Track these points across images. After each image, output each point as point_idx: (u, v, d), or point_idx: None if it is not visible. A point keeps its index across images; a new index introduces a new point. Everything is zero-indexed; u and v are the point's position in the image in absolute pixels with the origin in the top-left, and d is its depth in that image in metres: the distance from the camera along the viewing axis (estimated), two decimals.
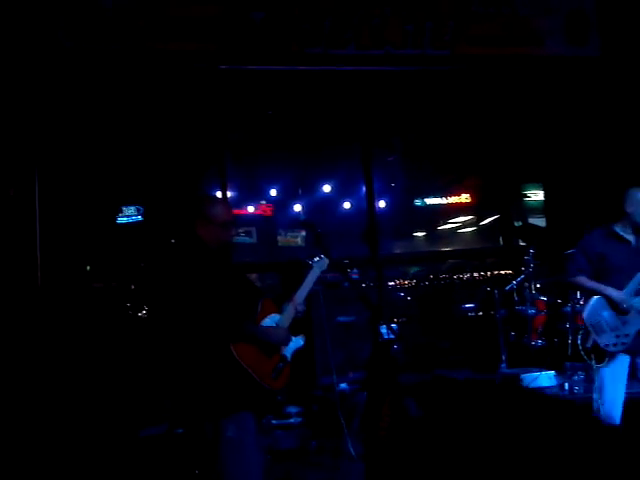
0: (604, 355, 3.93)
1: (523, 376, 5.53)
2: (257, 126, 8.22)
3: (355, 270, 6.65)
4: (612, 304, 4.00)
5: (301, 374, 5.22)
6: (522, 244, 6.99)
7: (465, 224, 11.54)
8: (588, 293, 4.18)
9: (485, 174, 10.16)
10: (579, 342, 3.99)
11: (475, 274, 10.80)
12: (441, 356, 7.97)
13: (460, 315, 9.16)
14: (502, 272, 9.92)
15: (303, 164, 9.77)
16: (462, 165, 10.14)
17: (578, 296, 5.73)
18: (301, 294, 3.49)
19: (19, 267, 5.61)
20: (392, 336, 7.29)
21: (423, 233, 11.45)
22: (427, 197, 11.57)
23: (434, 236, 11.47)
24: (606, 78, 7.91)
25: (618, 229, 4.26)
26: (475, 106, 8.34)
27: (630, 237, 4.20)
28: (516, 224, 9.12)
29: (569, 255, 4.70)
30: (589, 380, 4.14)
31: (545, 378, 5.44)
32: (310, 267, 3.60)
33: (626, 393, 3.92)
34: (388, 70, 7.53)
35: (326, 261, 3.68)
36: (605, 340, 3.93)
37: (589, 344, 3.95)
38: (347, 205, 10.29)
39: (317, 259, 3.65)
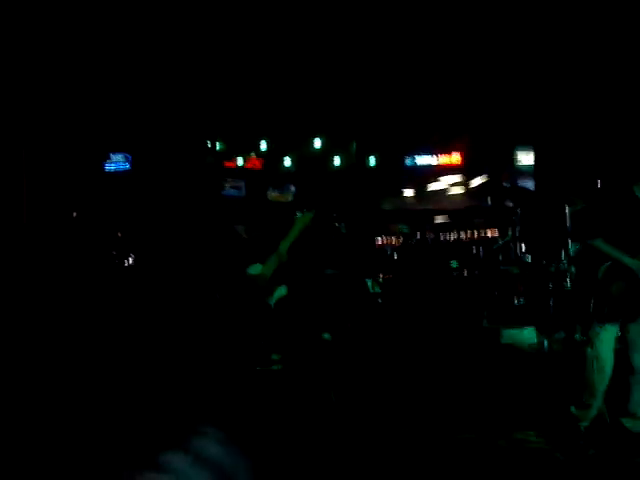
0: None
1: (503, 331, 5.63)
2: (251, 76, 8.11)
3: (342, 224, 6.65)
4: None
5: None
6: (510, 205, 7.01)
7: (455, 184, 11.53)
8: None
9: (476, 135, 10.13)
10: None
11: (462, 234, 10.87)
12: (427, 311, 8.04)
13: (446, 273, 9.23)
14: (489, 233, 9.98)
15: (294, 119, 9.69)
16: (453, 126, 10.11)
17: (562, 257, 5.80)
18: (285, 245, 3.55)
19: (6, 205, 5.59)
20: (377, 290, 7.40)
21: (412, 192, 11.43)
22: (418, 156, 11.57)
23: (423, 195, 11.46)
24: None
25: None
26: (468, 65, 8.26)
27: None
28: (505, 185, 9.13)
29: None
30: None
31: (525, 334, 5.55)
32: (294, 220, 3.65)
33: None
34: None
35: (309, 215, 3.71)
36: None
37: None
38: (337, 161, 10.27)
39: (300, 214, 3.70)
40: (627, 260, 3.80)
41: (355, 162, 8.97)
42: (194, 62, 7.41)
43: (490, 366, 5.49)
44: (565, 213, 6.03)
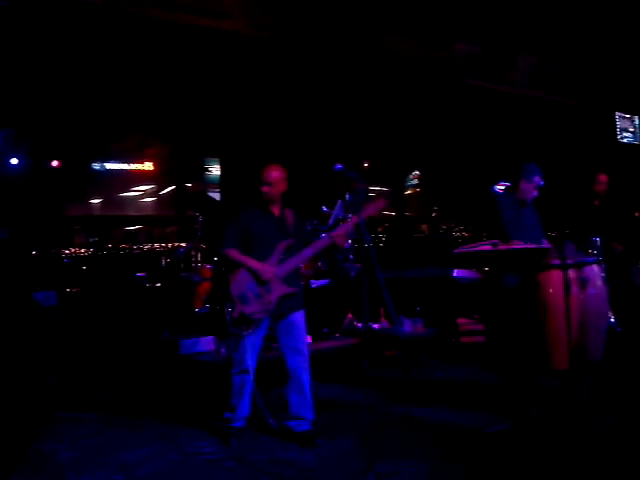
0: (251, 323, 4.11)
1: (182, 342, 5.59)
2: None
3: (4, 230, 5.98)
4: (255, 275, 4.17)
5: None
6: (195, 214, 7.04)
7: (147, 192, 11.33)
8: (236, 266, 4.29)
9: (170, 144, 10.07)
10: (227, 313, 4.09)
11: (156, 245, 10.69)
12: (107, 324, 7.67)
13: (137, 284, 8.94)
14: (182, 243, 9.97)
15: None
16: (146, 132, 9.89)
17: None
18: None
19: None
20: (53, 303, 6.83)
21: (100, 199, 10.92)
22: (108, 162, 11.09)
23: (113, 202, 11.02)
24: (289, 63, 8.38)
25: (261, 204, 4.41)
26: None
27: (274, 209, 4.40)
28: (193, 194, 9.22)
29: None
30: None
31: (203, 343, 5.58)
32: None
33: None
34: None
35: None
36: (251, 308, 4.10)
37: (237, 314, 4.09)
38: (14, 161, 9.33)
39: None
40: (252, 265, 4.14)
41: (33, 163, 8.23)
42: None
43: (162, 378, 5.42)
44: None
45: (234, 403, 4.26)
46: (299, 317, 4.34)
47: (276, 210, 4.38)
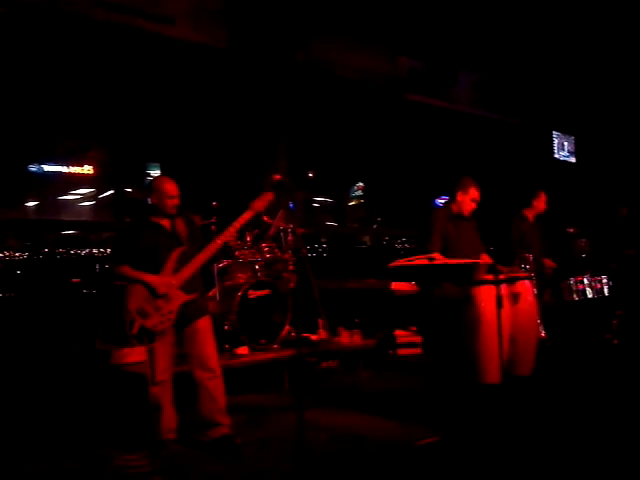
0: (154, 335, 4.05)
1: (115, 352, 5.48)
2: None
3: None
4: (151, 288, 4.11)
5: None
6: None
7: (85, 196, 11.03)
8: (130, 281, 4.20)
9: (110, 148, 9.85)
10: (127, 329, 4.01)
11: (94, 250, 10.43)
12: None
13: (72, 290, 8.72)
14: None
15: None
16: (86, 135, 9.66)
17: None
18: None
19: None
20: None
21: (36, 202, 10.57)
22: (45, 164, 10.76)
23: (50, 205, 10.68)
24: (232, 70, 8.34)
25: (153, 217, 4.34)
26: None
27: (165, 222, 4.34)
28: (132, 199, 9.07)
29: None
30: None
31: (136, 353, 5.45)
32: None
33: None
34: None
35: None
36: (152, 321, 4.03)
37: (137, 329, 4.01)
38: None
39: None
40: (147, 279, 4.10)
41: None
42: None
43: (92, 388, 5.30)
44: None
45: (158, 417, 4.20)
46: (204, 323, 4.31)
47: (167, 221, 4.33)
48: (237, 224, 4.36)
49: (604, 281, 6.19)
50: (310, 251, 11.22)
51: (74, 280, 8.55)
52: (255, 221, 6.25)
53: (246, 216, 4.39)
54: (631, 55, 10.93)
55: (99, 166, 10.62)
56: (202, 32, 8.22)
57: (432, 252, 5.01)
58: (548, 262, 6.41)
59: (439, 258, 4.92)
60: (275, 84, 8.63)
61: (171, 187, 4.30)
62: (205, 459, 4.13)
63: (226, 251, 4.61)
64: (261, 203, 4.43)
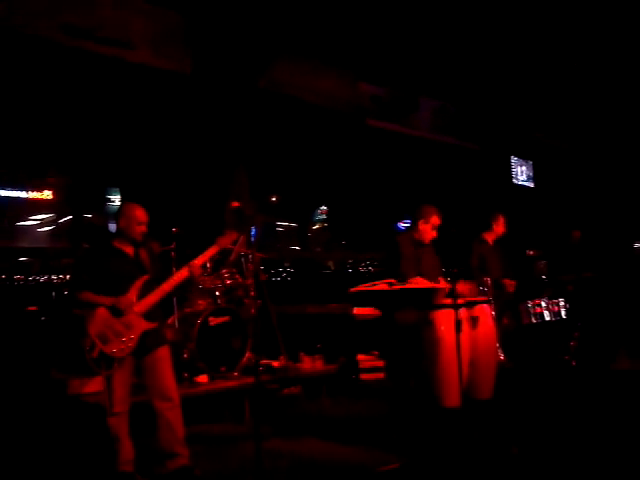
0: (113, 362, 3.99)
1: (71, 381, 5.36)
2: None
3: None
4: (114, 312, 4.06)
5: None
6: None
7: (44, 222, 10.85)
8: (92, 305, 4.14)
9: (70, 173, 9.74)
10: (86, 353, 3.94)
11: (53, 276, 10.24)
12: None
13: (28, 317, 8.51)
14: None
15: None
16: (45, 160, 9.54)
17: None
18: None
19: None
20: None
21: None
22: (3, 189, 10.58)
23: (7, 231, 10.48)
24: (195, 95, 8.34)
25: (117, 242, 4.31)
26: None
27: (128, 249, 4.31)
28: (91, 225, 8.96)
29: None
30: None
31: (94, 383, 5.34)
32: None
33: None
34: None
35: None
36: (112, 347, 3.98)
37: (96, 354, 3.95)
38: None
39: None
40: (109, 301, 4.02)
41: None
42: None
43: (48, 419, 5.18)
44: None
45: (115, 447, 4.11)
46: (163, 352, 4.28)
47: (130, 249, 4.31)
48: (203, 258, 4.43)
49: (561, 304, 6.27)
50: (274, 276, 11.21)
51: (31, 308, 8.36)
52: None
53: (211, 251, 4.45)
54: (586, 82, 11.25)
55: (59, 191, 10.49)
56: (165, 58, 8.21)
57: (410, 277, 5.05)
58: (508, 281, 6.49)
59: (420, 282, 4.97)
60: (238, 109, 8.65)
61: (141, 214, 4.30)
62: None
63: (190, 281, 4.61)
64: (226, 240, 4.51)
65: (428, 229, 5.43)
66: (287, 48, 9.13)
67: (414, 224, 5.49)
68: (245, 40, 8.54)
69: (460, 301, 4.62)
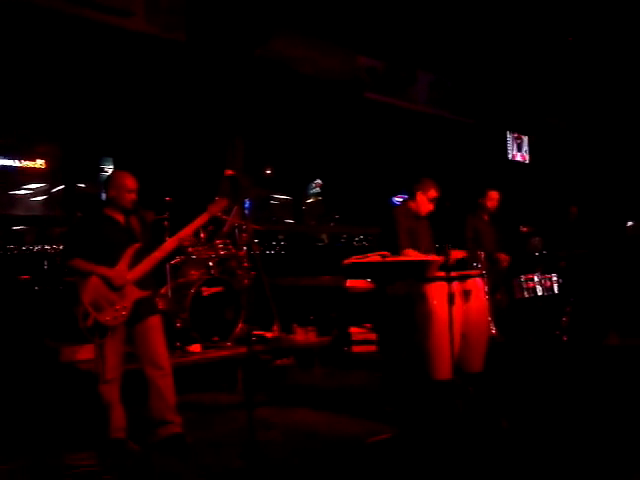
0: (106, 330, 4.01)
1: (64, 349, 5.38)
2: None
3: None
4: (107, 281, 4.06)
5: None
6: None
7: (37, 191, 10.79)
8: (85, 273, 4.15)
9: (63, 142, 9.66)
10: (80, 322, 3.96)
11: (47, 246, 10.20)
12: None
13: (21, 286, 8.50)
14: None
15: None
16: (37, 128, 9.45)
17: None
18: None
19: None
20: None
21: None
22: None
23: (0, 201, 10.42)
24: (190, 63, 8.25)
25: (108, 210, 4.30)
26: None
27: (120, 217, 4.31)
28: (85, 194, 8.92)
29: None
30: None
31: (86, 351, 5.37)
32: None
33: None
34: None
35: None
36: (105, 316, 3.99)
37: (90, 322, 3.96)
38: None
39: None
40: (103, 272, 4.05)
41: None
42: None
43: (41, 386, 5.20)
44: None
45: (107, 415, 4.14)
46: (155, 321, 4.29)
47: (121, 217, 4.30)
48: (193, 226, 4.44)
49: (554, 279, 6.30)
50: (268, 248, 11.20)
51: (24, 277, 8.34)
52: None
53: (202, 219, 4.48)
54: (583, 57, 11.18)
55: (52, 160, 10.40)
56: (160, 25, 8.11)
57: (404, 249, 5.08)
58: (502, 256, 6.50)
59: (413, 254, 5.00)
60: (233, 78, 8.56)
61: (130, 182, 4.28)
62: (155, 458, 4.07)
63: (179, 248, 4.61)
64: (217, 207, 4.54)
65: (426, 202, 5.44)
66: (285, 18, 9.02)
67: (412, 195, 5.50)
68: (242, 9, 8.44)
69: (453, 274, 4.62)
